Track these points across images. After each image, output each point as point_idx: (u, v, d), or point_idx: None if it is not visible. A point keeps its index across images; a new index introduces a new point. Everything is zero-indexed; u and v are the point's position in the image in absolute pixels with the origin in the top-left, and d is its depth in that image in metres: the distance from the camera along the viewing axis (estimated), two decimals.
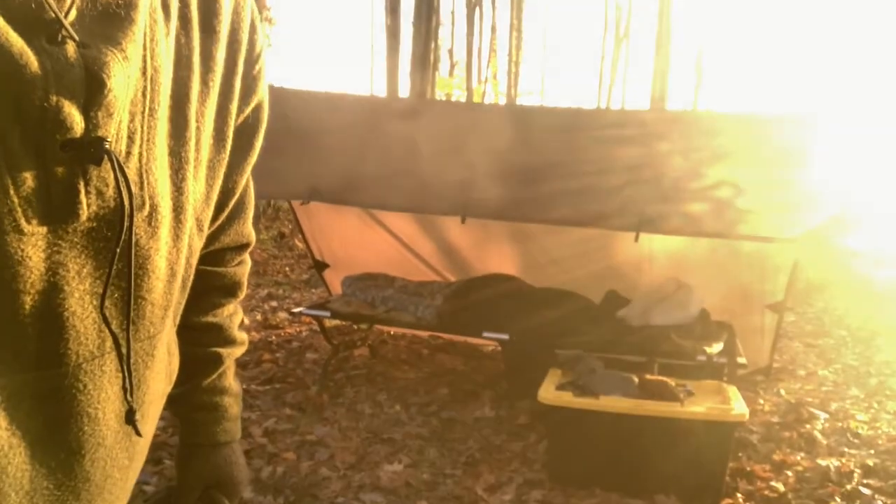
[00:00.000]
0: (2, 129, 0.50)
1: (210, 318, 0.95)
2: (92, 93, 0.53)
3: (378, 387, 4.36)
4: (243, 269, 0.98)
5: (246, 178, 0.85)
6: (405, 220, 4.84)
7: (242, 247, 0.95)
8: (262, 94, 0.79)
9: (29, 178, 0.52)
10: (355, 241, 5.16)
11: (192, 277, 0.74)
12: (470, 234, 4.65)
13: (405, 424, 3.80)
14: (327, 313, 4.47)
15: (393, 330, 5.45)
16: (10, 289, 0.52)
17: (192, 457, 0.97)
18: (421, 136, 4.01)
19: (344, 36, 52.83)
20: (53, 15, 0.51)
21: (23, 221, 0.52)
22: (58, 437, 0.58)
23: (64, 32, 0.51)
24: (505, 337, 4.02)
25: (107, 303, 0.59)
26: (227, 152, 0.74)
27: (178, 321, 0.76)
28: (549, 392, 3.03)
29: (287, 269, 8.58)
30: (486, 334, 4.10)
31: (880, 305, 7.09)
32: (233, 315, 0.99)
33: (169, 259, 0.66)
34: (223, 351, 0.97)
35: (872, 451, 3.63)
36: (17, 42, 0.49)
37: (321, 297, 5.62)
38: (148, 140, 0.60)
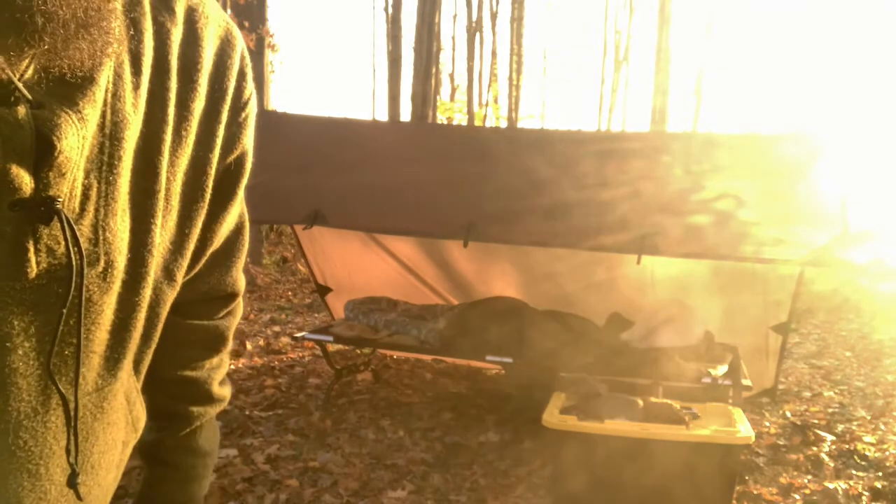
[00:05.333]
0: None
1: (186, 373, 0.90)
2: (42, 154, 0.52)
3: (381, 412, 4.33)
4: (229, 321, 0.92)
5: (227, 227, 0.81)
6: (408, 243, 4.85)
7: (227, 297, 0.91)
8: (246, 143, 0.77)
9: None
10: (358, 265, 5.17)
11: (158, 329, 0.72)
12: (472, 256, 4.65)
13: (409, 450, 3.77)
14: (330, 338, 4.46)
15: (396, 354, 5.43)
16: None
17: None
18: (422, 160, 4.02)
19: (346, 61, 53.26)
20: (6, 77, 0.50)
21: None
22: None
23: (17, 93, 0.50)
24: (508, 360, 4.01)
25: (55, 360, 0.58)
26: (207, 201, 0.72)
27: (142, 372, 0.74)
28: (554, 416, 3.01)
29: (290, 293, 8.58)
30: (489, 358, 4.09)
31: (885, 325, 7.06)
32: (213, 370, 0.93)
33: (121, 312, 0.65)
34: (195, 409, 0.92)
35: (880, 474, 3.59)
36: None
37: (324, 322, 5.61)
38: (106, 195, 0.59)
